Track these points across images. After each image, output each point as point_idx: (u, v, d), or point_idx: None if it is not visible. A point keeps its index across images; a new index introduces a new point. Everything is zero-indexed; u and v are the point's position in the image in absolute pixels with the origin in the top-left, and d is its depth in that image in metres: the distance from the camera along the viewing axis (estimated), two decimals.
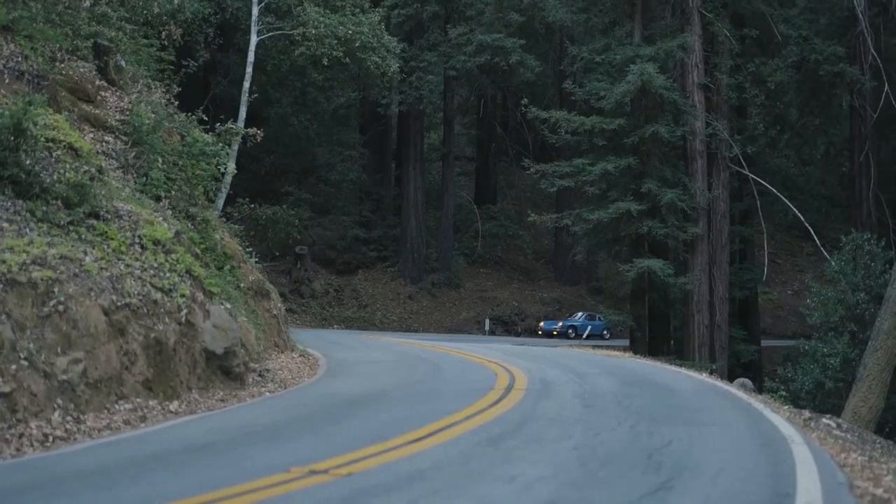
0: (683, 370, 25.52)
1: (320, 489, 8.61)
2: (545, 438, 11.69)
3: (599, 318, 52.58)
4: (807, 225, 42.11)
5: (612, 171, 38.50)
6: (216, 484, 8.67)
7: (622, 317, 40.74)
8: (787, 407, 18.89)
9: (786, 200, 43.57)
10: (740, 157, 41.05)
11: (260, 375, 18.74)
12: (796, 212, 43.17)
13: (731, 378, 30.98)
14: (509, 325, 54.87)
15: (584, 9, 43.31)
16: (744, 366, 42.43)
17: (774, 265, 57.71)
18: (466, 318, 53.99)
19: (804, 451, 11.42)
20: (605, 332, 52.87)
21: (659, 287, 38.44)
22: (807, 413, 17.44)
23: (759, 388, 30.65)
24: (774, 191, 43.38)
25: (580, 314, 54.78)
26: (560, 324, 53.69)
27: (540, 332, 53.54)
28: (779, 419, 14.60)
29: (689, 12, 40.27)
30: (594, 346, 36.94)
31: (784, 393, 31.68)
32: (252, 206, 42.47)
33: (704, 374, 24.97)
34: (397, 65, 41.57)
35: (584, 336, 52.06)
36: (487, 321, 53.48)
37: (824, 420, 16.70)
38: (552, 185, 41.67)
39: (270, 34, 38.03)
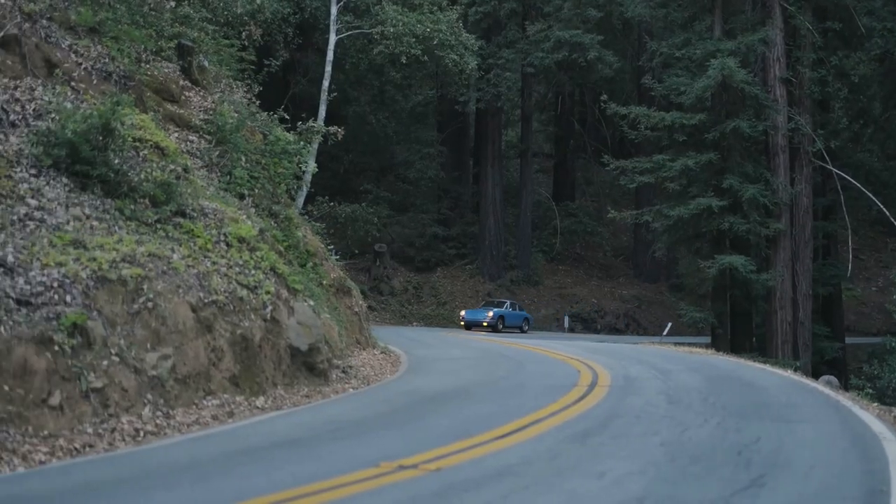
0: (768, 367, 25.23)
1: (410, 484, 8.65)
2: (632, 434, 11.62)
3: (519, 307, 49.21)
4: (892, 220, 41.37)
5: (693, 167, 38.17)
6: (308, 478, 8.75)
7: (703, 314, 40.33)
8: (875, 404, 18.60)
9: (870, 195, 42.83)
10: (823, 152, 40.45)
11: (343, 372, 18.85)
12: (881, 207, 42.43)
13: (815, 375, 30.57)
14: (588, 323, 54.57)
15: (662, 3, 42.94)
16: (828, 363, 41.80)
17: (858, 261, 56.73)
18: (546, 316, 53.81)
19: None
20: (523, 325, 48.07)
21: (741, 283, 38.03)
22: None
23: (845, 386, 30.19)
24: (858, 185, 42.66)
25: (507, 302, 49.24)
26: (490, 313, 47.14)
27: (462, 323, 47.85)
28: (868, 416, 14.40)
29: (771, 5, 39.76)
30: (675, 343, 36.64)
31: (870, 390, 31.16)
32: (331, 204, 42.69)
33: (789, 371, 24.69)
34: (475, 62, 41.60)
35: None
36: (567, 318, 53.22)
37: None
38: (632, 181, 41.45)
39: (349, 33, 38.27)
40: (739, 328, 40.47)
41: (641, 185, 43.40)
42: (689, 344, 36.51)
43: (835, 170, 41.56)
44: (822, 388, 19.51)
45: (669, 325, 49.53)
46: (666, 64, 42.89)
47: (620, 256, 62.79)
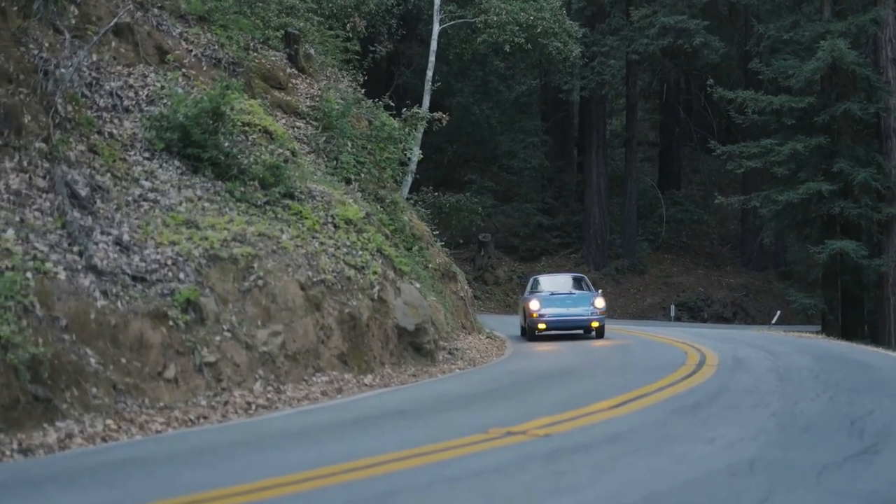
0: (881, 350, 24.76)
1: (520, 447, 8.71)
2: (742, 406, 11.52)
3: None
4: None
5: (802, 151, 37.54)
6: (416, 442, 8.87)
7: (813, 300, 39.66)
8: None
9: None
10: None
11: (449, 353, 18.98)
12: None
13: None
14: (695, 312, 53.92)
15: None
16: None
17: None
18: (651, 304, 53.38)
19: None
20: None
21: (852, 269, 37.32)
22: None
23: None
24: None
25: (581, 277, 30.09)
26: (600, 301, 25.95)
27: (542, 326, 25.02)
28: None
29: None
30: (785, 330, 36.11)
31: None
32: (436, 194, 42.84)
33: None
34: (579, 50, 41.34)
35: None
36: (673, 307, 52.71)
37: None
38: (739, 166, 40.92)
39: (452, 23, 38.33)
40: (851, 315, 39.73)
41: (749, 170, 42.75)
42: (799, 332, 35.95)
43: None
44: None
45: (778, 313, 48.86)
46: (773, 48, 42.27)
47: (727, 244, 61.99)
